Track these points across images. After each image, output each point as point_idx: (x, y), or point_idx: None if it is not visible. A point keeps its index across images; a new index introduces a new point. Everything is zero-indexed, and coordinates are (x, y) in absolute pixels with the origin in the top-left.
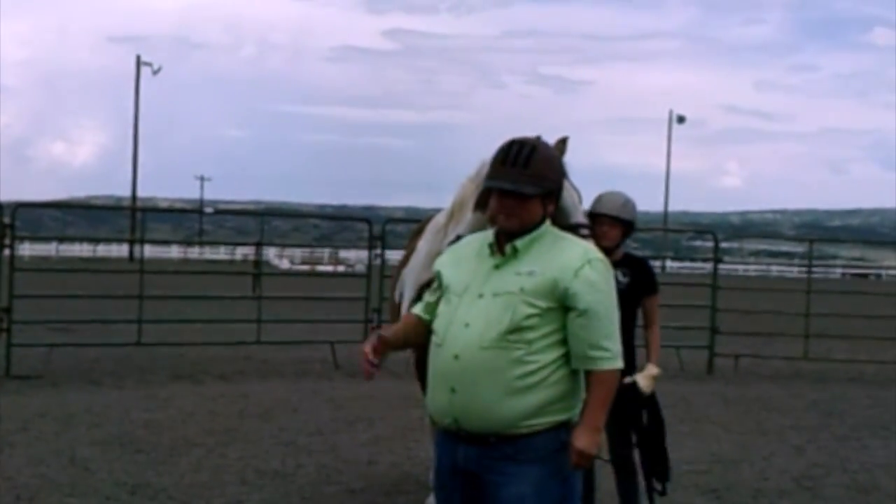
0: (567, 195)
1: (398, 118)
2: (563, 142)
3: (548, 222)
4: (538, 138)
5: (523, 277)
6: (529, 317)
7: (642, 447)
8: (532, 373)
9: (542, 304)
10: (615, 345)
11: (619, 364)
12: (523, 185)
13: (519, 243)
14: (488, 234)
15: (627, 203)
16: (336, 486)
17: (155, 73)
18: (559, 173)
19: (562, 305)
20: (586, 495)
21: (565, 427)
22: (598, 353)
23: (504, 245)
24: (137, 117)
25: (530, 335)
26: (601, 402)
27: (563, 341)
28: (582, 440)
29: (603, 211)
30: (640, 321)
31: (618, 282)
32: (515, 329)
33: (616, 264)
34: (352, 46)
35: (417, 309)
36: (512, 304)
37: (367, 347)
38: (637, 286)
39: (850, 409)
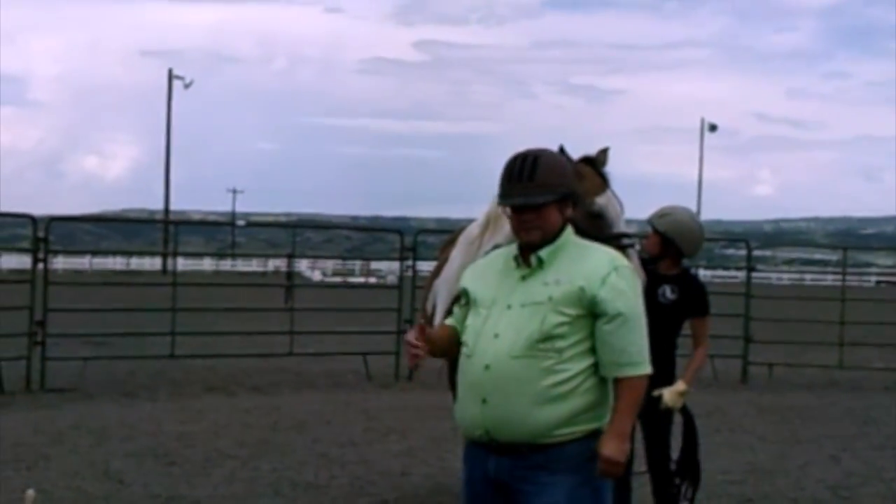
0: (610, 205)
1: (429, 129)
2: (603, 152)
3: (569, 230)
4: (561, 147)
5: (551, 287)
6: (559, 325)
7: (679, 456)
8: (563, 382)
9: (572, 311)
10: (643, 351)
11: (646, 370)
12: (532, 197)
13: (543, 254)
14: (512, 248)
15: (667, 216)
16: (369, 498)
17: (187, 86)
18: (568, 177)
19: (590, 313)
20: (622, 502)
21: (595, 436)
22: (625, 359)
23: (528, 257)
24: (170, 131)
25: (560, 344)
26: (629, 409)
27: (593, 350)
28: (609, 447)
29: (648, 219)
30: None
31: (664, 296)
32: (546, 338)
33: (666, 279)
34: (382, 58)
35: (451, 321)
36: (541, 313)
37: (411, 336)
38: (684, 304)
39: (885, 418)
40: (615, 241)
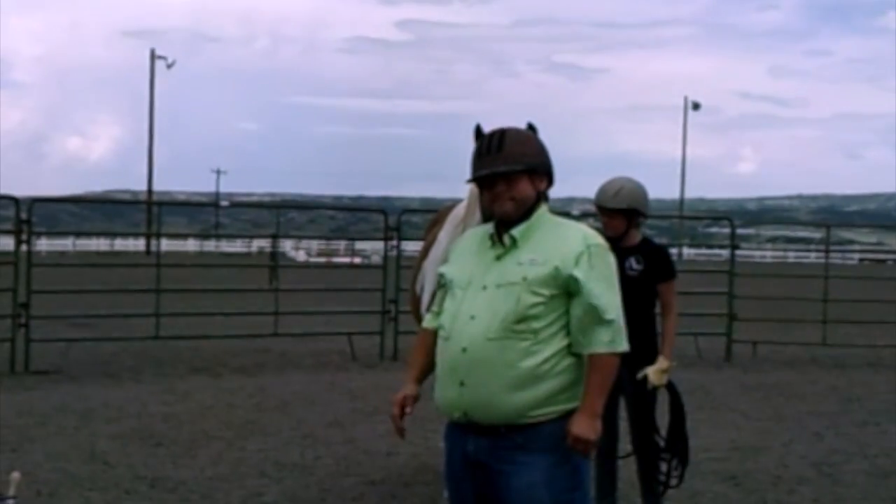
0: None
1: (412, 108)
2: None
3: (544, 207)
4: (529, 124)
5: (525, 267)
6: (534, 305)
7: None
8: (540, 363)
9: (546, 291)
10: (614, 330)
11: (617, 348)
12: (499, 166)
13: (516, 232)
14: (488, 227)
15: (620, 191)
16: (355, 478)
17: (169, 66)
18: (539, 151)
19: (565, 292)
20: (608, 482)
21: (573, 416)
22: (595, 337)
23: (503, 235)
24: (152, 111)
25: (536, 324)
26: (598, 388)
27: (569, 329)
28: (579, 426)
29: (598, 203)
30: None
31: (631, 268)
32: (521, 319)
33: (630, 251)
34: (365, 37)
35: (427, 321)
36: (516, 293)
37: (396, 410)
38: (651, 273)
39: (868, 395)
40: None
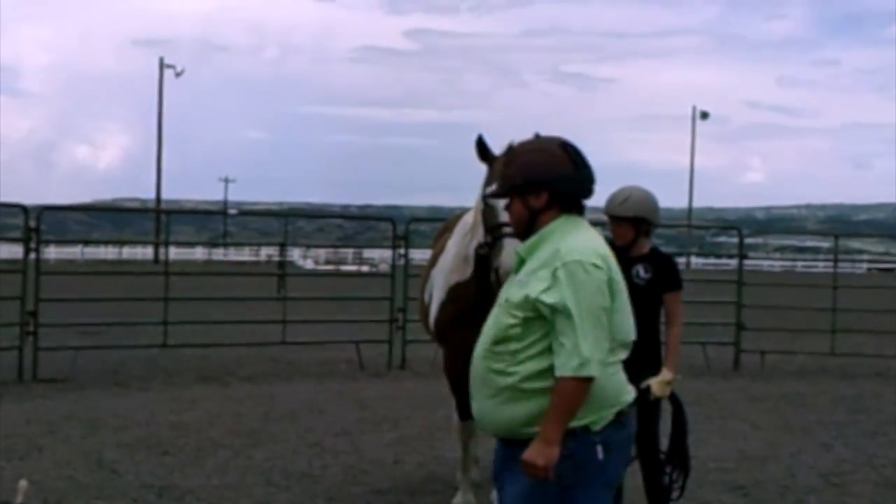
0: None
1: (420, 118)
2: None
3: (557, 221)
4: (535, 135)
5: (513, 287)
6: (511, 327)
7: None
8: (515, 384)
9: (520, 314)
10: (577, 351)
11: (579, 373)
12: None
13: (521, 249)
14: None
15: (628, 199)
16: (362, 487)
17: (178, 75)
18: (526, 168)
19: (540, 315)
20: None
21: (571, 435)
22: (561, 360)
23: None
24: (161, 120)
25: (514, 346)
26: (556, 413)
27: (552, 349)
28: (529, 451)
29: (605, 211)
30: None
31: (638, 276)
32: (500, 340)
33: (638, 259)
34: (373, 47)
35: None
36: (496, 314)
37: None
38: (658, 282)
39: (877, 405)
40: (496, 230)
